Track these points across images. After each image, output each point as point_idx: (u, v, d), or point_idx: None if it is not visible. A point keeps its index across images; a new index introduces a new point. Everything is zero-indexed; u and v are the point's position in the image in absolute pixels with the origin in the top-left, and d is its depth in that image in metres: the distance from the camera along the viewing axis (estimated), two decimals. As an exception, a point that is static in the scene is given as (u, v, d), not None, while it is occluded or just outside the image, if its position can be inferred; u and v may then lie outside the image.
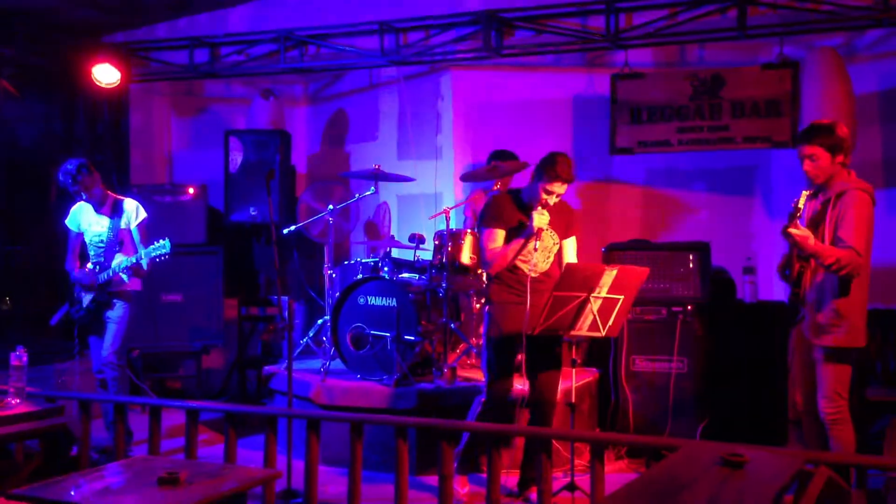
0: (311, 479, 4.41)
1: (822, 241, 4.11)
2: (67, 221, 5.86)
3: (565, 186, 4.52)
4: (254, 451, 4.95)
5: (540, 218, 4.48)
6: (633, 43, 6.31)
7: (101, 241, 5.71)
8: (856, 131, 5.75)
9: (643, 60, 6.74)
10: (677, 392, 5.60)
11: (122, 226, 5.71)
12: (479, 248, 4.94)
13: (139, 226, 5.74)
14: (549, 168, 4.47)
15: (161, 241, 5.45)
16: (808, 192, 4.06)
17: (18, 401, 4.67)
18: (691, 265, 5.68)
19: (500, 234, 4.65)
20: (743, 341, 5.78)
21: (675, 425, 5.54)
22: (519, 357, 4.68)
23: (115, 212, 5.73)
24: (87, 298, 5.69)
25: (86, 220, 5.79)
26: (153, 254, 5.45)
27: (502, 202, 4.71)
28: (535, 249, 4.53)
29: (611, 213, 7.03)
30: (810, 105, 5.80)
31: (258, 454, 4.60)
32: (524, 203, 4.67)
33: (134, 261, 5.50)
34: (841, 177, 4.18)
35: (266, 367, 6.44)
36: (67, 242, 5.87)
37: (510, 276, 4.68)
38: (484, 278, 5.59)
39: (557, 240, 4.70)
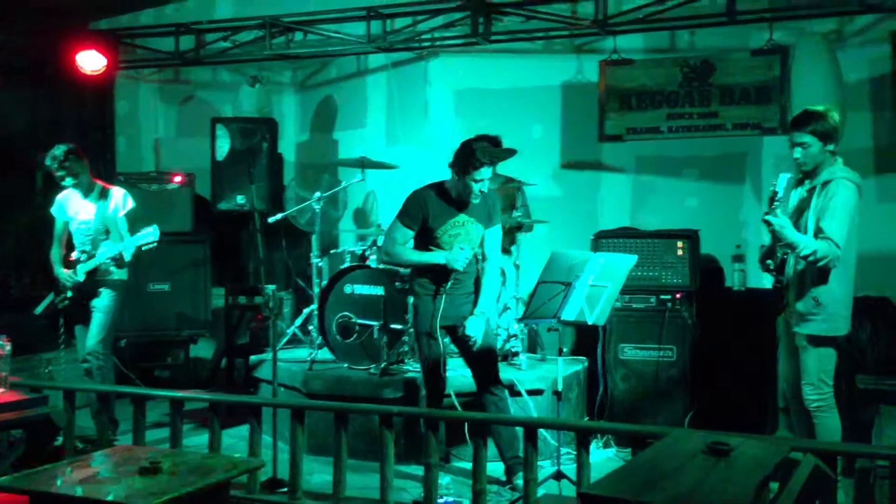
0: (296, 467, 4.39)
1: (806, 229, 4.10)
2: (53, 209, 5.79)
3: (491, 169, 4.52)
4: (241, 440, 4.92)
5: (465, 261, 4.53)
6: (621, 29, 6.27)
7: (88, 229, 5.65)
8: (845, 118, 5.72)
9: (633, 46, 6.70)
10: (666, 380, 5.60)
11: (110, 214, 5.65)
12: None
13: (126, 215, 5.68)
14: (468, 158, 4.45)
15: (149, 229, 5.38)
16: (788, 176, 4.03)
17: (2, 390, 4.63)
18: (680, 253, 5.66)
19: (410, 235, 4.64)
20: (732, 329, 5.75)
21: (663, 413, 5.54)
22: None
23: (103, 200, 5.66)
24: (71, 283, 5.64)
25: (72, 208, 5.72)
26: (140, 242, 5.38)
27: (424, 199, 4.64)
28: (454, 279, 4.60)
29: (600, 200, 7.00)
30: (800, 91, 5.77)
31: (246, 443, 4.58)
32: (451, 197, 4.62)
33: (119, 249, 5.44)
34: (828, 165, 4.16)
35: (253, 356, 6.41)
36: (52, 230, 5.81)
37: (431, 267, 4.66)
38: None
39: (481, 231, 4.69)
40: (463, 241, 4.61)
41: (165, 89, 8.39)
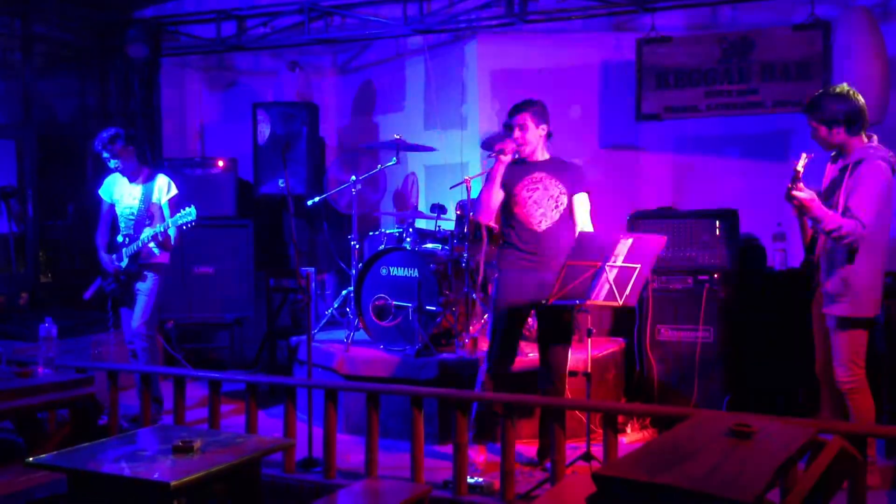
0: (329, 447, 4.47)
1: (837, 208, 4.02)
2: (101, 191, 5.95)
3: (519, 114, 4.67)
4: (282, 420, 5.00)
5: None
6: (659, 5, 6.17)
7: (132, 214, 5.79)
8: (889, 93, 5.57)
9: (674, 23, 6.58)
10: (703, 361, 5.53)
11: (154, 200, 5.78)
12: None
13: (170, 201, 5.80)
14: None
15: (187, 209, 5.49)
16: (807, 156, 3.95)
17: (48, 371, 4.79)
18: (718, 233, 5.58)
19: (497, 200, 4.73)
20: (772, 309, 5.66)
21: (701, 395, 5.49)
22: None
23: (148, 186, 5.80)
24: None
25: (118, 192, 5.87)
26: (179, 221, 5.49)
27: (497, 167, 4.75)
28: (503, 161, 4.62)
29: (640, 180, 6.91)
30: (841, 67, 5.62)
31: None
32: (522, 158, 4.74)
33: (161, 229, 5.56)
34: (859, 143, 4.08)
35: (293, 338, 6.52)
36: (99, 213, 5.98)
37: (513, 233, 4.70)
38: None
39: (564, 189, 4.67)
40: (540, 195, 4.64)
41: (209, 75, 8.51)
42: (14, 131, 7.45)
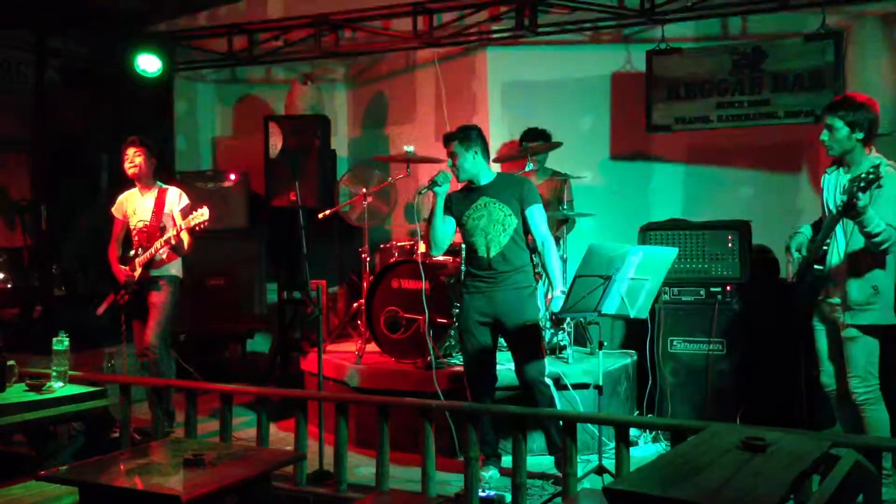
0: (341, 460, 4.46)
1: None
2: (113, 209, 5.98)
3: (449, 143, 4.72)
4: (293, 433, 4.99)
5: (443, 179, 4.67)
6: (669, 17, 6.17)
7: (145, 227, 5.82)
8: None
9: (684, 34, 6.58)
10: (716, 374, 5.50)
11: (166, 211, 5.82)
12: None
13: (182, 210, 5.83)
14: None
15: (199, 210, 5.51)
16: (877, 164, 3.90)
17: (61, 384, 4.80)
18: (730, 244, 5.56)
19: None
20: (786, 321, 5.61)
21: (714, 408, 5.44)
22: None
23: (160, 198, 5.84)
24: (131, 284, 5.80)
25: (131, 207, 5.91)
26: (193, 222, 5.50)
27: (450, 193, 4.84)
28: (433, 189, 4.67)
29: (652, 192, 6.90)
30: (855, 77, 5.60)
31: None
32: (468, 185, 4.82)
33: (174, 233, 5.58)
34: (861, 154, 4.08)
35: (305, 350, 6.52)
36: (112, 230, 6.00)
37: (468, 262, 4.85)
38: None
39: (511, 211, 4.68)
40: (486, 222, 4.68)
41: (222, 89, 8.56)
42: (28, 145, 7.51)
